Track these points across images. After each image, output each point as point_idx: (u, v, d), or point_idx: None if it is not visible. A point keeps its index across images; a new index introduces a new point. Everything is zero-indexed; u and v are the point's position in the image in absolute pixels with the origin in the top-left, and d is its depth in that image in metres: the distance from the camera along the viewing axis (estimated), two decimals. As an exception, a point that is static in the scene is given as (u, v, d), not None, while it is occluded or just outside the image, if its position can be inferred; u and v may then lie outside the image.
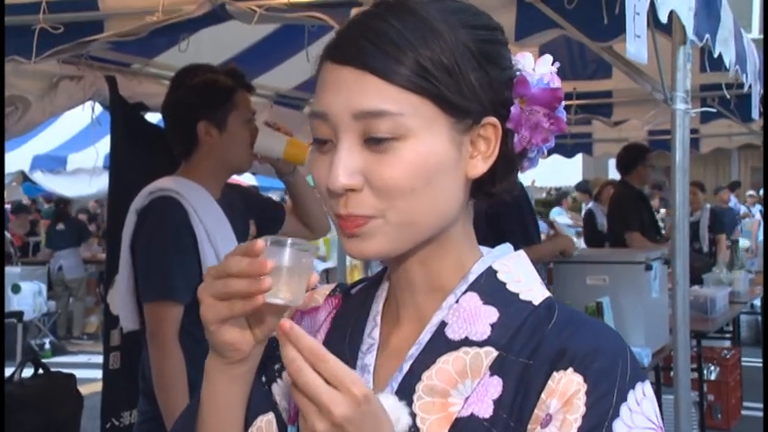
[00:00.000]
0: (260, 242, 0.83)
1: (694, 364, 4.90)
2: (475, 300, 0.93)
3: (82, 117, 4.09)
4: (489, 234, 1.05)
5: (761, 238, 10.95)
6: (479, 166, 0.93)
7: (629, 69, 2.64)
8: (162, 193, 2.46)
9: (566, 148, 7.05)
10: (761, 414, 5.53)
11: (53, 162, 9.27)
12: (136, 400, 2.67)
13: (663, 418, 0.90)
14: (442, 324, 0.93)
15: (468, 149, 0.92)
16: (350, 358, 0.97)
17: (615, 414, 0.84)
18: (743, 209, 15.01)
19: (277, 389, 1.03)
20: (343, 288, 1.08)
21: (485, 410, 0.88)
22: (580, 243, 7.95)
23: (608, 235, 6.38)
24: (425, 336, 0.93)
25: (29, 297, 9.08)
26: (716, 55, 2.72)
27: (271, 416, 1.00)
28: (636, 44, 2.03)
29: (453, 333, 0.92)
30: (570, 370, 0.86)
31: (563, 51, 4.12)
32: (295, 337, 0.80)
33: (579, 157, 9.64)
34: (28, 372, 3.86)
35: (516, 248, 1.02)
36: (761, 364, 6.28)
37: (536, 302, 0.93)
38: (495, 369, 0.89)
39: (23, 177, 9.77)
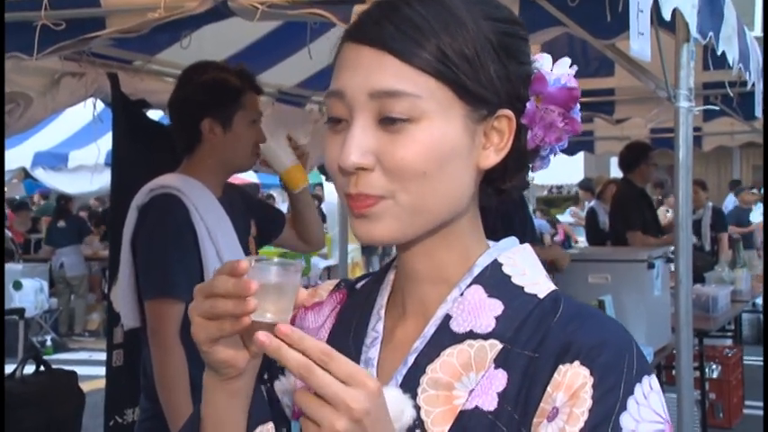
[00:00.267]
0: (244, 262, 0.82)
1: (696, 363, 4.89)
2: (480, 292, 0.93)
3: (83, 114, 4.08)
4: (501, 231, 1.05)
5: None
6: (491, 158, 0.93)
7: (632, 67, 2.64)
8: (163, 190, 2.46)
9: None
10: (762, 413, 5.53)
11: (55, 159, 9.27)
12: (139, 398, 2.67)
13: (666, 415, 0.89)
14: (447, 317, 0.93)
15: (482, 140, 0.92)
16: (354, 352, 0.97)
17: (622, 407, 0.84)
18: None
19: (280, 386, 1.03)
20: (348, 283, 1.08)
21: (489, 403, 0.88)
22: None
23: (610, 233, 6.37)
24: (430, 329, 0.93)
25: (30, 294, 9.10)
26: (719, 53, 2.71)
27: (270, 425, 1.00)
28: (639, 42, 2.02)
29: (458, 326, 0.92)
30: (576, 363, 0.86)
31: (565, 49, 4.11)
32: (298, 338, 0.79)
33: (581, 155, 9.65)
34: (30, 369, 3.86)
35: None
36: (762, 363, 6.27)
37: (541, 295, 0.93)
38: (500, 362, 0.89)
39: (25, 174, 9.76)
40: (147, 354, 2.46)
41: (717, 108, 4.10)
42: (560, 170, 15.44)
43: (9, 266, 9.43)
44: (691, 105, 2.51)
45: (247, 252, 2.61)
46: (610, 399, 0.84)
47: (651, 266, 3.98)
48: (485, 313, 0.92)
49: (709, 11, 2.47)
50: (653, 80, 2.63)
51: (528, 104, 0.94)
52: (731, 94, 4.02)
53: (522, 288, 0.94)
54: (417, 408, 0.89)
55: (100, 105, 3.56)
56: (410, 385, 0.90)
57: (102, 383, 3.45)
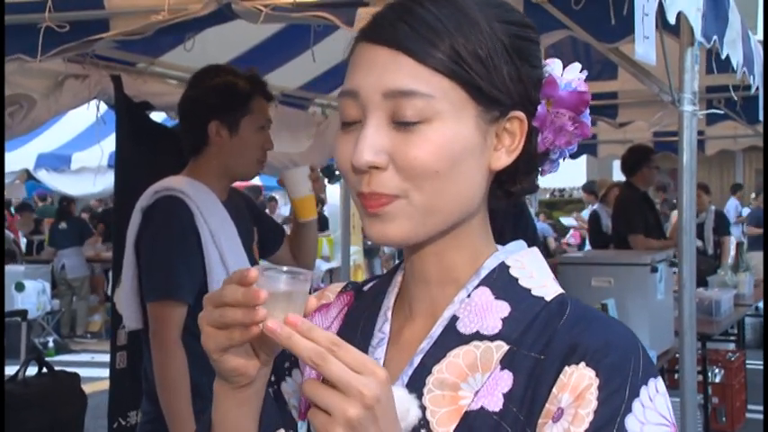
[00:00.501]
0: (253, 271, 0.82)
1: (699, 367, 4.88)
2: (487, 294, 0.94)
3: (87, 116, 4.08)
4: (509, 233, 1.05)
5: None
6: (503, 159, 0.93)
7: (636, 71, 2.63)
8: (167, 192, 2.45)
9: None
10: (762, 417, 5.52)
11: (57, 161, 9.28)
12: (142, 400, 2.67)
13: (670, 420, 0.89)
14: (454, 318, 0.93)
15: (494, 141, 0.93)
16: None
17: (628, 409, 0.84)
18: (746, 210, 15.07)
19: (286, 387, 1.03)
20: (355, 286, 1.08)
21: (495, 404, 0.88)
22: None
23: (613, 236, 6.37)
24: (437, 330, 0.94)
25: (33, 295, 9.10)
26: (723, 57, 2.70)
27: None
28: (644, 45, 2.02)
29: (464, 327, 0.92)
30: (582, 364, 0.86)
31: (568, 52, 4.11)
32: (307, 328, 0.79)
33: (583, 158, 9.65)
34: (32, 370, 3.86)
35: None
36: (763, 367, 6.26)
37: (548, 298, 0.93)
38: (506, 363, 0.89)
39: (27, 176, 9.78)
40: (149, 356, 2.45)
41: (721, 112, 4.09)
42: (563, 173, 15.34)
43: (12, 268, 9.44)
44: (695, 109, 2.51)
45: (251, 257, 2.60)
46: (615, 400, 0.84)
47: (654, 270, 3.98)
48: (491, 315, 0.92)
49: (713, 14, 2.47)
50: (657, 84, 2.63)
51: (539, 107, 0.94)
52: (735, 98, 4.02)
53: (530, 290, 0.94)
54: (423, 408, 0.89)
55: (103, 107, 3.57)
56: (416, 385, 0.91)
57: (104, 385, 3.46)
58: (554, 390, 0.86)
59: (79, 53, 2.89)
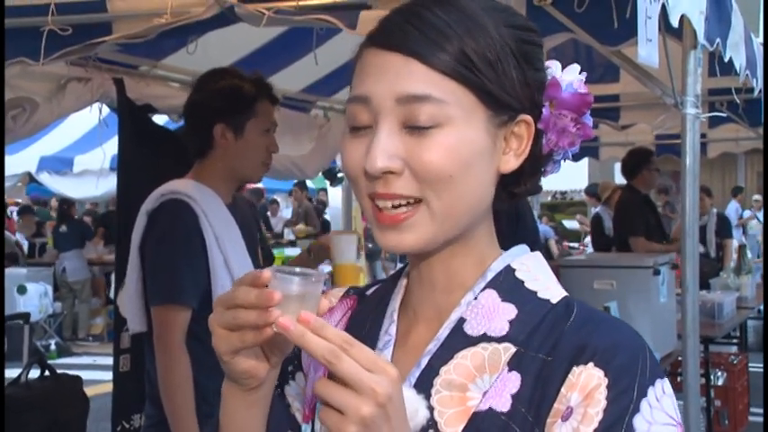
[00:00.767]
0: (266, 272, 0.82)
1: (702, 370, 4.87)
2: (493, 297, 0.94)
3: (89, 119, 4.09)
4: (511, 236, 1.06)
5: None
6: (511, 162, 0.94)
7: (638, 73, 2.64)
8: (173, 195, 2.45)
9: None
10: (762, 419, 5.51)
11: (60, 163, 9.29)
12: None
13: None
14: (461, 320, 0.94)
15: (502, 144, 0.94)
16: None
17: (635, 409, 0.85)
18: (747, 213, 15.08)
19: (290, 390, 1.04)
20: (358, 290, 1.08)
21: (503, 405, 0.89)
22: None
23: (615, 239, 6.37)
24: (444, 332, 0.94)
25: (35, 298, 9.11)
26: (726, 59, 2.70)
27: None
28: (647, 48, 2.02)
29: (472, 329, 0.93)
30: (591, 365, 0.86)
31: (570, 54, 4.11)
32: (320, 326, 0.80)
33: (585, 160, 9.64)
34: (35, 373, 3.86)
35: None
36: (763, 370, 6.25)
37: (554, 301, 0.94)
38: (514, 364, 0.90)
39: (30, 178, 9.78)
40: (152, 359, 2.45)
41: (724, 115, 4.09)
42: (565, 176, 15.39)
43: (14, 270, 9.45)
44: (698, 112, 2.51)
45: (255, 261, 2.60)
46: (623, 400, 0.85)
47: (657, 273, 3.97)
48: (498, 317, 0.93)
49: (716, 17, 2.47)
50: (659, 86, 2.63)
51: (543, 110, 0.95)
52: (737, 101, 4.01)
53: (536, 293, 0.95)
54: (431, 408, 0.90)
55: (105, 110, 3.57)
56: (423, 386, 0.91)
57: (106, 388, 3.46)
58: (562, 389, 0.87)
59: (82, 56, 2.89)
